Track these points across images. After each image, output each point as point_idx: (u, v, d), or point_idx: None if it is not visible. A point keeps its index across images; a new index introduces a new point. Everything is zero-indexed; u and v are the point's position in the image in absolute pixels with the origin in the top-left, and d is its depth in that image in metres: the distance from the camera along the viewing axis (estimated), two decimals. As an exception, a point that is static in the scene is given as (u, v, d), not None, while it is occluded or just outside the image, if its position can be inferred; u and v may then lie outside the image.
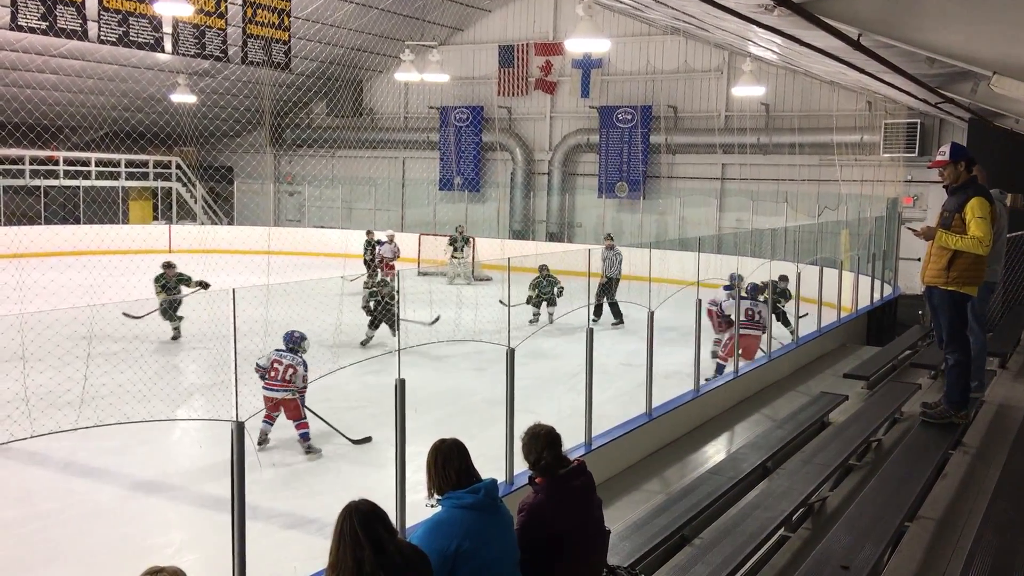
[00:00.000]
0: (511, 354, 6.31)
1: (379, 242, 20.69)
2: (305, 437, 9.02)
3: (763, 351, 11.22)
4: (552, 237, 26.39)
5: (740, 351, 10.23)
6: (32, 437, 4.33)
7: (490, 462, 3.89)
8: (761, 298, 11.63)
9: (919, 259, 7.27)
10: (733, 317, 10.59)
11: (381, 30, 25.24)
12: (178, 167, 29.22)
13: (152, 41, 18.21)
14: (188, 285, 13.56)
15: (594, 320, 16.23)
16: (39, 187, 25.72)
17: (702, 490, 5.99)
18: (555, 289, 15.59)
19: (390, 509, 3.76)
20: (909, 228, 7.18)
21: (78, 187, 26.61)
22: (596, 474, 4.18)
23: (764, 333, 11.38)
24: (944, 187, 6.78)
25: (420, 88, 26.91)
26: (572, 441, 8.19)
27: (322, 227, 27.98)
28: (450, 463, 3.66)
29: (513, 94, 26.97)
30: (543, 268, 15.85)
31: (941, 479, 6.23)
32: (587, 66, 25.60)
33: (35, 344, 7.79)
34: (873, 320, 14.56)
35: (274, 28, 20.56)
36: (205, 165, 29.53)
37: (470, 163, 27.60)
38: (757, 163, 23.24)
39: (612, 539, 4.40)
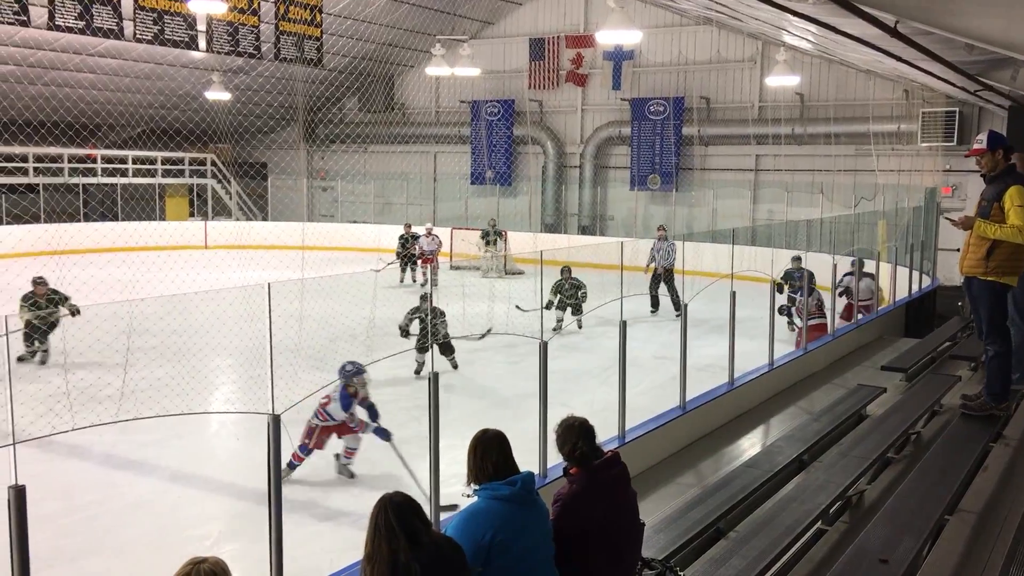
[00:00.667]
0: (544, 347, 6.31)
1: (414, 236, 20.79)
2: (346, 457, 8.37)
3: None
4: (584, 230, 26.33)
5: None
6: (73, 430, 4.41)
7: (523, 455, 3.89)
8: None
9: (958, 249, 7.15)
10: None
11: (412, 25, 25.29)
12: (213, 164, 29.53)
13: (187, 39, 18.40)
14: (60, 305, 11.00)
15: (652, 312, 16.18)
16: (78, 185, 26.14)
17: (737, 483, 5.95)
18: (579, 294, 14.42)
19: (423, 501, 3.78)
20: (947, 218, 7.08)
21: (116, 184, 27.02)
22: (630, 467, 4.16)
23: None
24: (982, 176, 6.66)
25: (451, 82, 26.94)
26: (606, 434, 8.17)
27: (355, 222, 28.15)
28: (488, 455, 3.67)
29: (544, 87, 26.91)
30: (565, 270, 14.61)
31: (981, 472, 6.13)
32: (618, 58, 25.46)
33: (76, 339, 7.94)
34: (911, 311, 14.36)
35: (306, 24, 20.68)
36: (239, 162, 29.83)
37: (501, 157, 27.60)
38: (792, 154, 22.98)
39: (646, 532, 4.39)
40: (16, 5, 15.88)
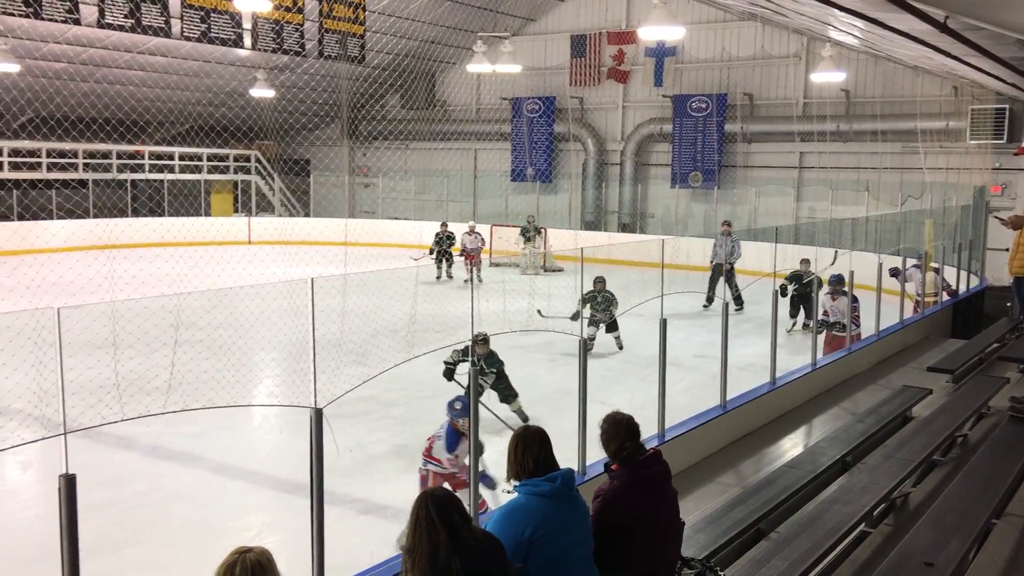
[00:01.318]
0: (583, 344, 6.30)
1: (450, 235, 20.87)
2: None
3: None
4: (624, 228, 26.22)
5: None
6: (122, 421, 4.50)
7: (562, 452, 3.89)
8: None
9: (1007, 249, 7.02)
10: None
11: (454, 22, 25.37)
12: (257, 160, 29.90)
13: (232, 37, 18.67)
14: None
15: (704, 307, 16.12)
16: (126, 180, 26.63)
17: (779, 483, 5.90)
18: (611, 310, 12.90)
19: (463, 496, 3.80)
20: (996, 217, 6.95)
21: (163, 180, 27.49)
22: (670, 466, 4.14)
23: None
24: (1032, 174, 6.52)
25: (492, 79, 26.96)
26: (645, 432, 8.13)
27: (396, 218, 28.32)
28: (529, 451, 3.67)
29: (585, 84, 26.84)
30: (599, 281, 13.01)
31: (1031, 476, 6.01)
32: (660, 54, 25.29)
33: (125, 331, 8.10)
34: (959, 312, 14.10)
35: (349, 22, 20.86)
36: (283, 158, 30.18)
37: (542, 154, 27.58)
38: (837, 151, 22.65)
39: (686, 531, 4.37)
40: (67, 4, 16.22)
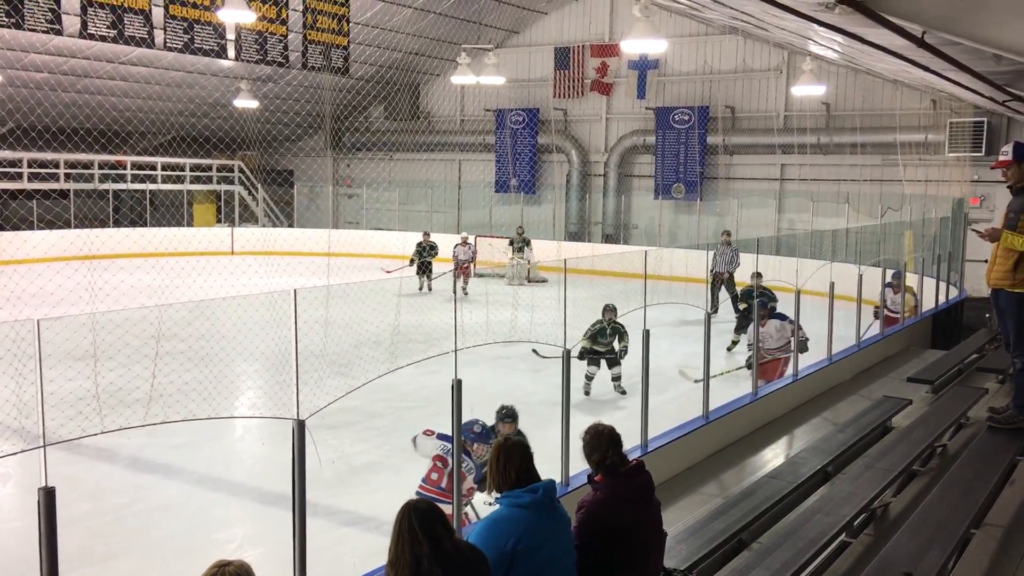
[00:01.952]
0: (567, 355, 6.32)
1: (432, 245, 20.82)
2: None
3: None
4: (608, 239, 26.31)
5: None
6: (103, 433, 4.48)
7: (546, 463, 3.91)
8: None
9: (985, 260, 7.10)
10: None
11: (438, 34, 25.44)
12: (240, 171, 29.82)
13: (216, 48, 18.62)
14: None
15: (712, 313, 16.10)
16: (108, 191, 26.48)
17: (760, 494, 5.93)
18: (620, 345, 11.54)
19: (446, 508, 3.81)
20: (974, 229, 7.04)
21: (145, 191, 27.35)
22: (652, 476, 4.17)
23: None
24: (1008, 187, 6.61)
25: (476, 91, 27.05)
26: (628, 443, 8.15)
27: (380, 229, 28.30)
28: (511, 462, 3.69)
29: (569, 96, 26.96)
30: (609, 310, 11.53)
31: (1008, 486, 6.07)
32: (643, 67, 25.45)
33: (106, 343, 8.07)
34: (938, 323, 14.22)
35: (333, 34, 20.87)
36: (266, 169, 30.11)
37: (526, 165, 27.66)
38: (817, 163, 22.85)
39: (668, 542, 4.39)
40: (50, 14, 16.15)
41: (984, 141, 20.00)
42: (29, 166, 24.32)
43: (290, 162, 31.17)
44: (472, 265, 20.40)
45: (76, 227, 25.05)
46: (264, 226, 29.56)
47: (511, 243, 22.56)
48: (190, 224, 28.79)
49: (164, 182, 27.85)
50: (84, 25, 16.56)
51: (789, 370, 9.95)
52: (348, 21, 21.39)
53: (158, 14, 17.54)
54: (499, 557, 3.49)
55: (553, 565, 3.63)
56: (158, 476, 8.37)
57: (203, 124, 26.45)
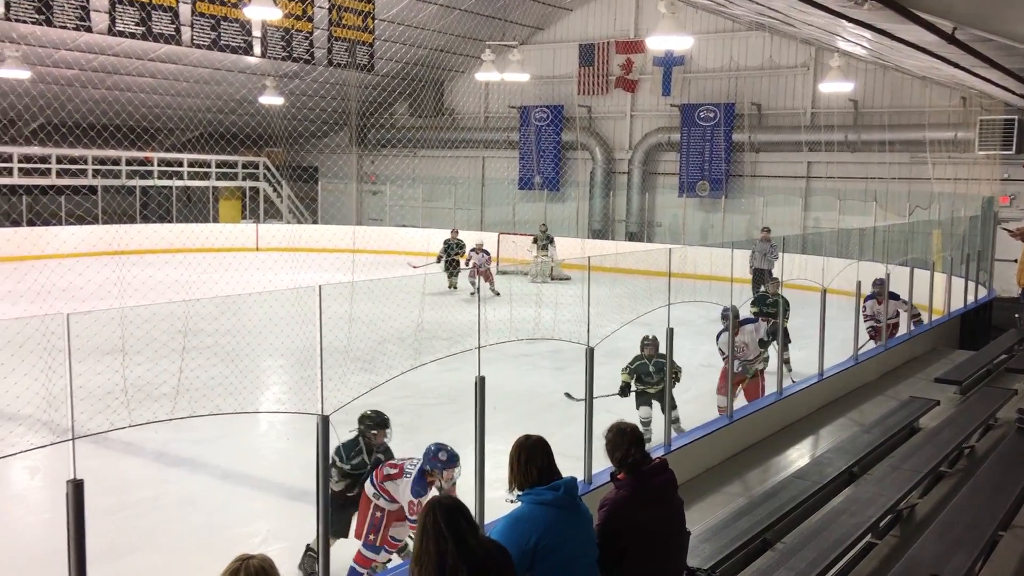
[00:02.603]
0: (590, 353, 6.31)
1: (460, 243, 20.74)
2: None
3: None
4: (632, 237, 26.22)
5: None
6: (130, 427, 4.52)
7: (568, 461, 3.89)
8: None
9: (1015, 260, 7.00)
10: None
11: (463, 31, 25.46)
12: (265, 167, 30.01)
13: (242, 45, 18.73)
14: None
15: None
16: (135, 187, 26.74)
17: (785, 494, 5.89)
18: (670, 378, 8.09)
19: (469, 504, 3.80)
20: (1004, 228, 6.95)
21: (171, 187, 27.60)
22: (676, 475, 4.15)
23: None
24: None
25: (500, 88, 27.05)
26: (651, 441, 8.13)
27: (403, 226, 28.37)
28: (533, 460, 3.68)
29: (593, 93, 26.89)
30: (650, 344, 9.29)
31: (1038, 488, 5.99)
32: (669, 64, 25.34)
33: (134, 337, 8.15)
34: (966, 323, 14.05)
35: (358, 31, 20.93)
36: (291, 165, 30.27)
37: (550, 162, 27.62)
38: (845, 161, 22.65)
39: (692, 541, 4.37)
40: (79, 11, 16.31)
41: (1015, 139, 19.71)
42: (58, 162, 24.59)
43: (315, 158, 31.32)
44: (489, 269, 19.97)
45: (104, 223, 25.34)
46: (288, 222, 29.72)
47: (535, 240, 22.53)
48: (216, 220, 29.02)
49: (190, 178, 28.08)
50: (112, 22, 16.71)
51: (772, 387, 8.89)
52: (373, 18, 21.45)
53: (185, 11, 17.67)
54: (522, 554, 3.48)
55: (575, 563, 3.62)
56: (183, 470, 8.44)
57: (229, 121, 26.64)
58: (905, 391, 9.60)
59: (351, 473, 6.40)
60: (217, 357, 10.38)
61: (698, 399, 9.53)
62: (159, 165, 27.14)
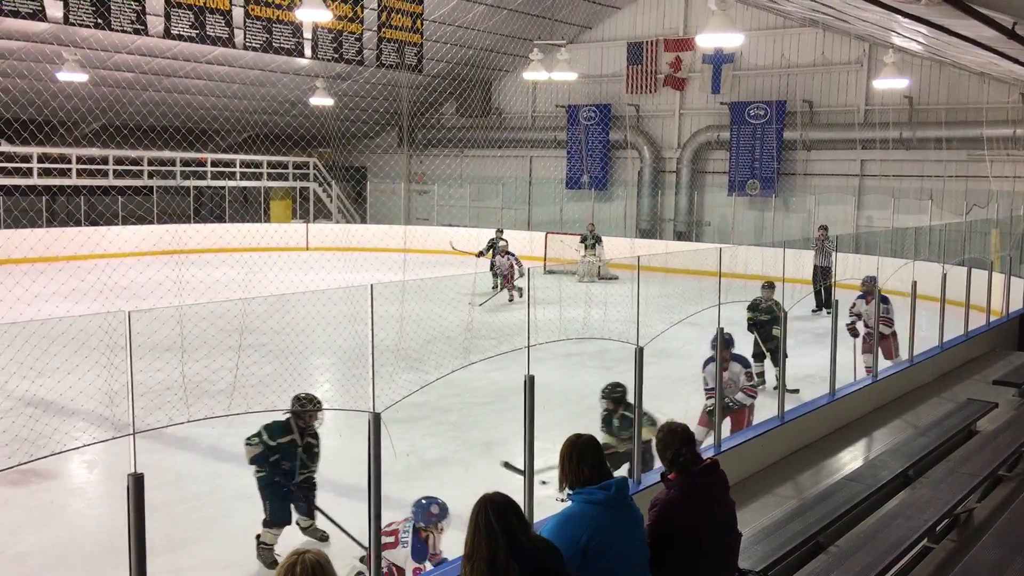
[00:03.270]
0: (639, 353, 6.28)
1: (504, 242, 20.59)
2: None
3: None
4: (680, 236, 26.05)
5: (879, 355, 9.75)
6: (189, 422, 4.61)
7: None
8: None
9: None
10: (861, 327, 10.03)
11: (510, 30, 25.50)
12: (315, 168, 30.38)
13: (293, 47, 19.00)
14: None
15: (814, 311, 15.50)
16: (189, 187, 27.26)
17: (838, 497, 5.81)
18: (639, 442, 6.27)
19: (519, 502, 3.81)
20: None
21: (224, 187, 28.08)
22: (727, 476, 4.12)
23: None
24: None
25: (548, 87, 27.03)
26: (702, 442, 8.05)
27: (451, 225, 28.52)
28: (584, 459, 3.67)
29: (641, 91, 26.75)
30: (613, 397, 7.57)
31: (1103, 494, 5.83)
32: (718, 61, 25.12)
33: (192, 335, 8.31)
34: (1026, 324, 13.71)
35: (408, 32, 21.09)
36: (340, 165, 30.61)
37: (597, 161, 27.55)
38: (899, 159, 22.23)
39: (743, 543, 4.33)
40: (135, 14, 16.68)
41: (1077, 135, 19.19)
42: (115, 163, 25.16)
43: (364, 159, 31.62)
44: (512, 276, 18.91)
45: (159, 222, 25.88)
46: (338, 222, 30.05)
47: (582, 240, 22.47)
48: (267, 220, 29.46)
49: (242, 179, 28.53)
50: (168, 25, 17.06)
51: (756, 417, 8.42)
52: (422, 19, 21.60)
53: (238, 14, 17.97)
54: (573, 553, 3.48)
55: (626, 563, 3.61)
56: (235, 465, 8.55)
57: (281, 122, 27.03)
58: (962, 393, 9.39)
59: (277, 448, 6.69)
60: (272, 354, 10.56)
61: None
62: (212, 166, 27.63)
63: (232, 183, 28.24)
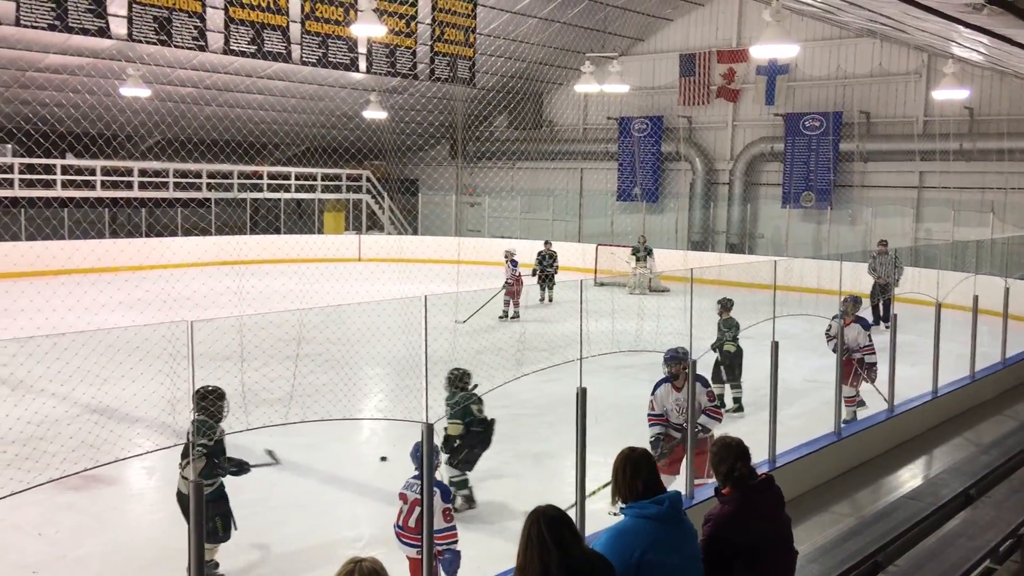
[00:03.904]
0: (693, 365, 6.23)
1: (552, 254, 20.48)
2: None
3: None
4: (732, 248, 25.80)
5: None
6: (248, 430, 4.70)
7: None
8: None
9: None
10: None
11: (562, 43, 25.57)
12: (368, 180, 30.75)
13: (348, 61, 19.28)
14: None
15: (874, 324, 15.20)
16: (246, 199, 27.79)
17: (897, 515, 5.70)
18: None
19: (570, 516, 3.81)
20: None
21: (279, 199, 28.57)
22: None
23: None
24: None
25: (599, 99, 27.02)
26: (755, 457, 7.95)
27: (502, 237, 28.60)
28: (638, 474, 3.64)
29: (694, 103, 26.60)
30: (455, 381, 7.80)
31: None
32: (772, 72, 24.87)
33: (251, 344, 8.47)
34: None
35: (460, 45, 21.27)
36: (392, 178, 30.93)
37: (649, 173, 27.43)
38: (959, 171, 21.76)
39: (799, 561, 4.27)
40: (195, 31, 17.10)
41: None
42: (174, 176, 25.77)
43: (415, 171, 31.91)
44: (516, 288, 17.64)
45: (217, 234, 26.42)
46: (389, 234, 30.35)
47: (633, 252, 22.37)
48: (320, 231, 29.89)
49: (297, 191, 29.00)
50: (227, 41, 17.45)
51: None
52: (475, 33, 21.76)
53: (295, 30, 18.31)
54: (625, 568, 3.46)
55: (679, 578, 3.58)
56: (288, 474, 8.68)
57: (335, 135, 27.43)
58: (1026, 411, 9.16)
59: (211, 451, 5.99)
60: (327, 364, 10.69)
61: (803, 415, 9.29)
62: (268, 178, 28.13)
63: (287, 195, 28.72)
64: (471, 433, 7.56)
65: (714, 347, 10.78)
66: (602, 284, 21.92)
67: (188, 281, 16.43)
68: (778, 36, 11.84)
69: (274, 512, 7.72)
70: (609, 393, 11.20)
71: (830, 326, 9.77)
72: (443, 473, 5.47)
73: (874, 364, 9.45)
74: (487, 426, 7.65)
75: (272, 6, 17.83)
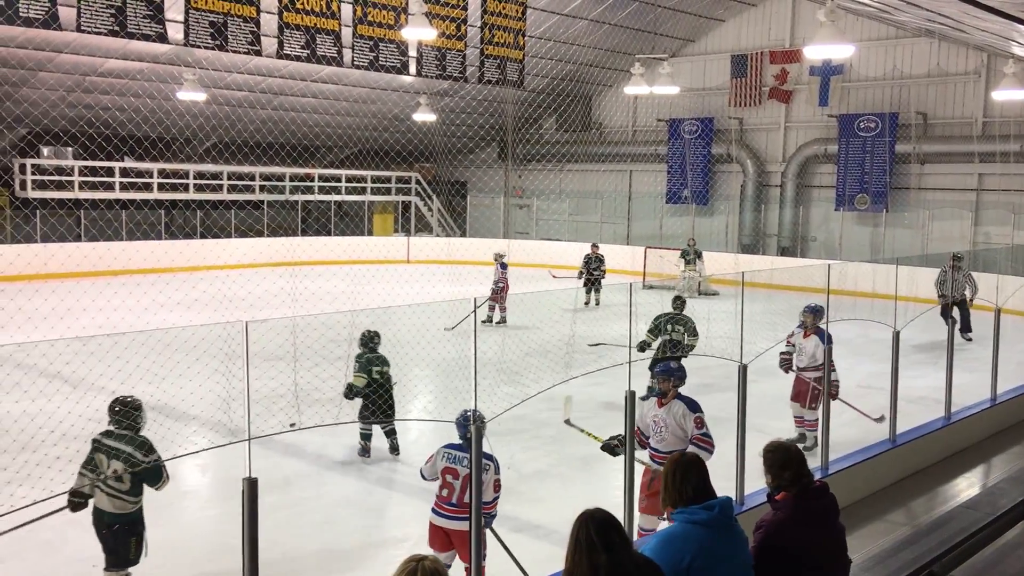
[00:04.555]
0: (743, 371, 6.17)
1: (599, 257, 20.35)
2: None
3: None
4: (784, 251, 25.46)
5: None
6: (299, 429, 4.76)
7: (716, 480, 3.81)
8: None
9: None
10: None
11: (612, 45, 25.49)
12: (417, 182, 30.98)
13: (399, 64, 19.42)
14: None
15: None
16: (297, 201, 28.19)
17: (954, 525, 5.58)
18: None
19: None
20: None
21: (330, 201, 28.93)
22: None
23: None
24: None
25: (649, 101, 26.88)
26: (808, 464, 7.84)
27: (550, 239, 28.60)
28: (688, 479, 3.62)
29: (745, 104, 26.31)
30: (370, 351, 8.98)
31: None
32: (826, 73, 24.50)
33: (304, 345, 8.59)
34: None
35: (510, 48, 21.31)
36: (441, 180, 31.11)
37: (699, 176, 27.19)
38: (1020, 172, 21.21)
39: (853, 570, 4.20)
40: (250, 36, 17.37)
41: None
42: (229, 178, 26.24)
43: (464, 173, 32.05)
44: (502, 293, 16.63)
45: (269, 235, 26.83)
46: (438, 235, 30.53)
47: (682, 255, 22.21)
48: (370, 233, 30.18)
49: (347, 193, 29.33)
50: (280, 46, 17.70)
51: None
52: (524, 35, 21.79)
53: (347, 34, 18.51)
54: (675, 573, 3.43)
55: (730, 585, 3.54)
56: (338, 473, 8.79)
57: (385, 137, 27.67)
58: (1090, 420, 8.90)
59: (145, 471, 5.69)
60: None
61: (856, 422, 9.12)
62: (319, 181, 28.49)
63: (337, 197, 29.05)
64: (371, 386, 8.63)
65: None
66: (651, 287, 21.78)
67: (242, 282, 16.71)
68: (833, 36, 11.68)
69: (323, 511, 7.81)
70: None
71: (793, 332, 9.47)
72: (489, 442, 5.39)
73: (836, 381, 8.23)
74: (384, 385, 8.77)
75: (325, 11, 18.05)
